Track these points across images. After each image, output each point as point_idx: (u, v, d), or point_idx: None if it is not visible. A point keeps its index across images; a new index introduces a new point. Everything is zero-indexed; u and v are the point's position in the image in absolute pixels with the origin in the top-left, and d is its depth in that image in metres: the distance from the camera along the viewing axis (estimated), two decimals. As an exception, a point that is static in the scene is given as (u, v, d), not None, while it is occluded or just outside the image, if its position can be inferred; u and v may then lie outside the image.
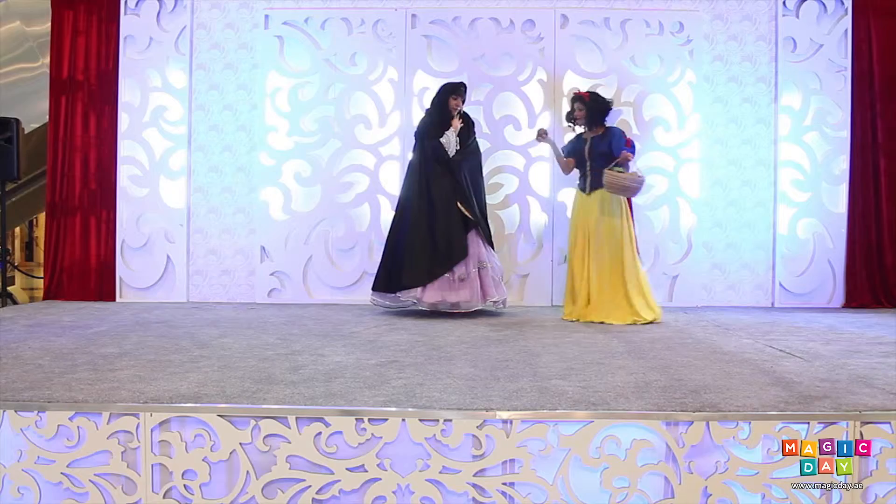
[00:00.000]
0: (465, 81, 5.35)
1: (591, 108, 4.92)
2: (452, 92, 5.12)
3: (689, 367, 3.18)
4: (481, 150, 5.37)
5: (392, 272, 5.06)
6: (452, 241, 4.94)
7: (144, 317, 4.92)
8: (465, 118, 5.24)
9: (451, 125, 5.07)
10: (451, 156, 5.05)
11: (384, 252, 5.21)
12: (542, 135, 5.19)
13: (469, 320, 4.81)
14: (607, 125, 5.01)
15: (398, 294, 5.04)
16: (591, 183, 4.89)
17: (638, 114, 5.78)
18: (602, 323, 4.70)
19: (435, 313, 4.95)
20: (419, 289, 4.93)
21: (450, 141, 5.06)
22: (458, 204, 5.00)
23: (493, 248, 5.20)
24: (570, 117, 5.06)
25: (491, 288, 5.02)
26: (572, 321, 4.84)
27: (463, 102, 5.18)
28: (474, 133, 5.30)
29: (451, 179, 5.04)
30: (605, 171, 4.76)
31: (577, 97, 5.00)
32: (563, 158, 5.16)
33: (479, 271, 5.00)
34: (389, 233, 5.25)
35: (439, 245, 4.94)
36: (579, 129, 5.09)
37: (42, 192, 6.42)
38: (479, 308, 4.99)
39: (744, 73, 5.86)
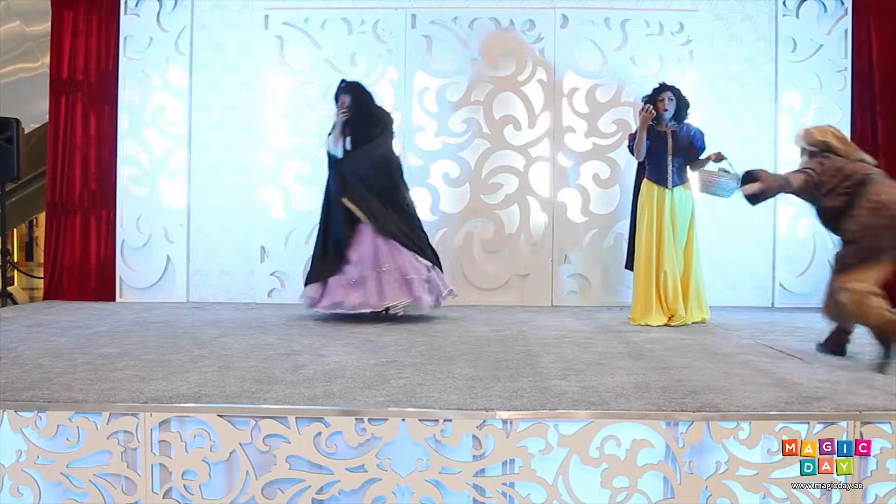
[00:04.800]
0: (345, 80, 5.01)
1: (681, 101, 4.81)
2: (337, 92, 4.92)
3: (689, 368, 3.18)
4: (388, 147, 4.97)
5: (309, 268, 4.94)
6: (340, 241, 4.72)
7: (144, 317, 4.92)
8: (363, 116, 4.86)
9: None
10: (339, 157, 4.82)
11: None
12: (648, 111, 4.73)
13: (468, 321, 4.82)
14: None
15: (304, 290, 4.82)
16: (673, 178, 4.77)
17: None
18: (693, 323, 4.69)
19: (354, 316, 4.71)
20: (317, 286, 4.73)
21: (328, 142, 4.88)
22: (345, 201, 4.75)
23: (418, 248, 4.80)
24: (652, 103, 4.75)
25: (392, 290, 4.63)
26: (659, 325, 4.62)
27: (350, 99, 4.81)
28: (378, 131, 4.90)
29: (338, 177, 4.81)
30: (702, 170, 4.67)
31: (668, 87, 4.83)
32: (644, 142, 4.78)
33: (378, 273, 4.66)
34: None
35: (329, 245, 4.76)
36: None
37: (42, 192, 6.42)
38: (378, 310, 4.64)
39: (744, 72, 5.85)
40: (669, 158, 4.76)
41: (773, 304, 5.85)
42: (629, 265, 5.06)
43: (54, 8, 6.04)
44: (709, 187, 4.71)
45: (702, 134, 4.88)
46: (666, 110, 4.77)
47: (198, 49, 5.96)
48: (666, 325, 4.65)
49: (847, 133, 5.81)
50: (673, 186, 4.77)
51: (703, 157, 4.83)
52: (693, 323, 4.71)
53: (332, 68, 5.88)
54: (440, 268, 4.96)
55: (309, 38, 5.92)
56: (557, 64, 5.84)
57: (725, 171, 4.70)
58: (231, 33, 5.96)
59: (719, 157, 4.70)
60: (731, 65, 5.86)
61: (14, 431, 2.45)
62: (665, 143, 4.77)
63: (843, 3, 5.83)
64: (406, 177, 5.10)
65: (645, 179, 4.87)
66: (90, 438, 2.43)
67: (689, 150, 4.80)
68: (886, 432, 2.37)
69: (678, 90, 4.87)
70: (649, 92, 4.91)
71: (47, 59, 6.18)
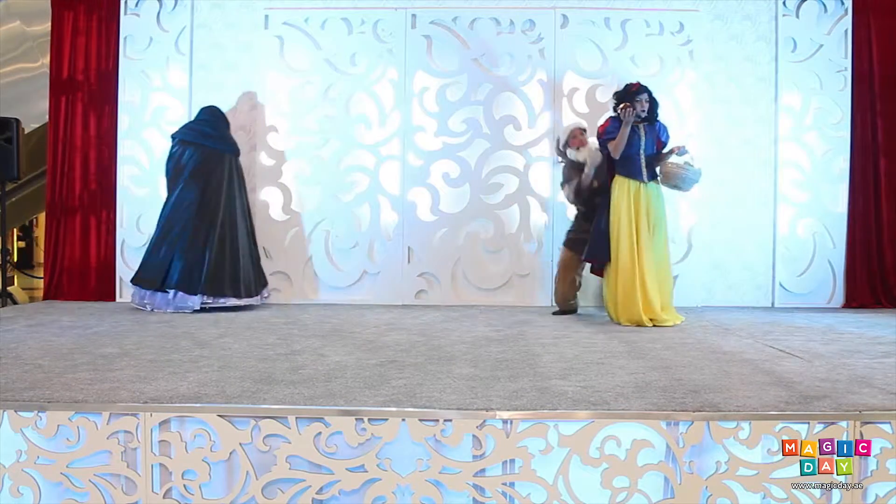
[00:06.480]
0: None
1: (654, 101, 4.84)
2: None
3: (689, 367, 3.18)
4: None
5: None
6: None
7: (144, 317, 4.92)
8: None
9: None
10: None
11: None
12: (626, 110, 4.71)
13: (468, 321, 4.82)
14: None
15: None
16: (647, 173, 4.76)
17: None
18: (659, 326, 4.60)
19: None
20: None
21: None
22: None
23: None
24: (629, 103, 4.70)
25: None
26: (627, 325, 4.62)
27: None
28: None
29: None
30: (668, 163, 4.74)
31: (646, 88, 4.82)
32: (626, 139, 4.75)
33: None
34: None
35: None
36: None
37: (42, 192, 6.42)
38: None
39: (744, 72, 5.85)
40: (642, 154, 4.77)
41: (773, 304, 5.84)
42: (593, 257, 4.92)
43: (54, 8, 6.04)
44: (673, 180, 4.76)
45: (665, 128, 4.91)
46: (643, 110, 4.76)
47: (198, 49, 5.96)
48: (653, 325, 4.59)
49: (847, 133, 5.82)
50: (647, 181, 4.76)
51: (665, 150, 4.85)
52: (674, 325, 4.64)
53: (332, 68, 5.89)
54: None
55: (309, 38, 5.92)
56: (557, 64, 5.85)
57: (690, 165, 4.75)
58: (231, 33, 5.96)
59: (681, 151, 4.76)
60: (731, 65, 5.86)
61: (14, 431, 2.44)
62: (639, 139, 4.78)
63: (843, 3, 5.83)
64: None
65: (618, 176, 4.79)
66: (90, 438, 2.43)
67: (656, 144, 4.84)
68: (886, 432, 2.37)
69: (650, 91, 4.86)
70: (620, 88, 4.89)
71: (47, 59, 6.18)
